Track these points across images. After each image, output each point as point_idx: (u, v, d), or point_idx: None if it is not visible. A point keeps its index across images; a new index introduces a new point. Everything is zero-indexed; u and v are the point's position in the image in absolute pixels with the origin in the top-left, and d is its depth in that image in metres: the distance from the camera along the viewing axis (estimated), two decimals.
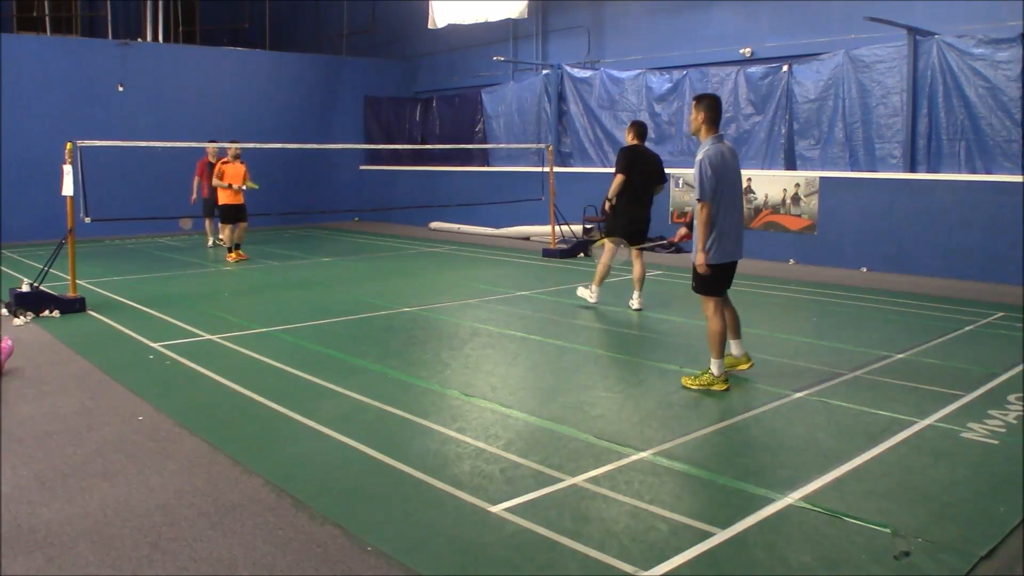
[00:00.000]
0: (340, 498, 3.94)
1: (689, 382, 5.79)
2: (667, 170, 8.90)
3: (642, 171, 8.37)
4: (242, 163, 12.72)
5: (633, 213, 8.42)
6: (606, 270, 8.67)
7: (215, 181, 12.64)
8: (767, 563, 3.31)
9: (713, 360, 5.74)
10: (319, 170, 19.55)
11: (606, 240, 8.65)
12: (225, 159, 12.66)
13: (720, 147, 5.65)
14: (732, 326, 6.01)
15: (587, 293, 8.81)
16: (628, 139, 8.59)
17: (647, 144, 8.66)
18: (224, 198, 12.60)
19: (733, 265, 5.86)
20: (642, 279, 8.63)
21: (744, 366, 6.07)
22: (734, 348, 6.09)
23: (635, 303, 8.62)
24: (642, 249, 8.63)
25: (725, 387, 5.71)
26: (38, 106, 15.95)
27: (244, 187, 12.58)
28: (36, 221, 14.90)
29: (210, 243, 14.82)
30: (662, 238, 13.47)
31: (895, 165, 11.87)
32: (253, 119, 18.28)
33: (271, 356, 6.66)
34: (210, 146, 13.90)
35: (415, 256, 13.90)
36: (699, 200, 5.57)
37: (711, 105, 5.66)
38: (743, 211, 5.85)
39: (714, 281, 5.76)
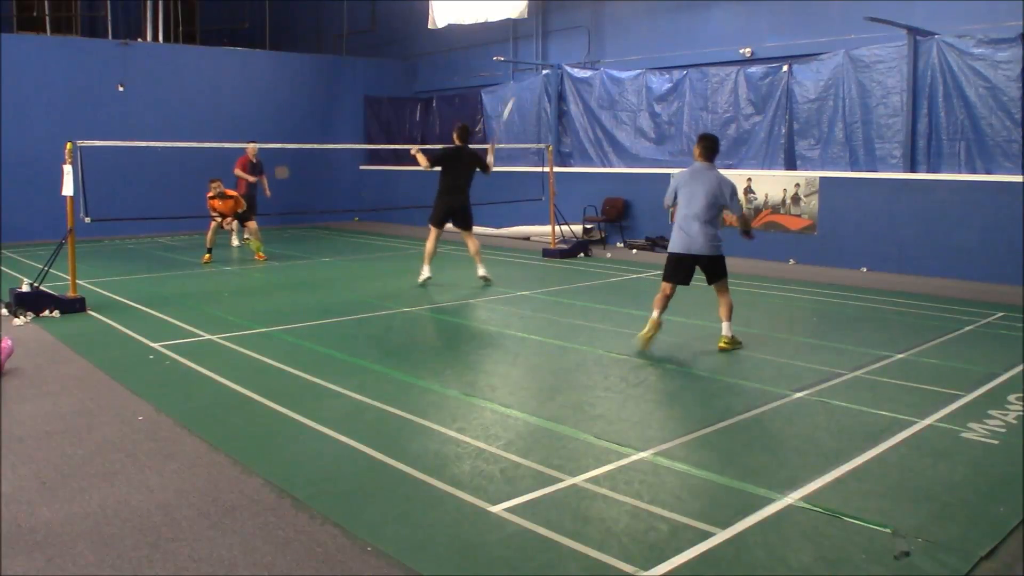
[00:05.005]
0: (340, 498, 3.94)
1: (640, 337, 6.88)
2: (666, 170, 9.15)
3: (457, 167, 9.94)
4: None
5: (449, 203, 9.98)
6: (431, 252, 10.06)
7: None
8: (767, 563, 3.31)
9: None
10: (319, 170, 19.53)
11: (430, 227, 10.14)
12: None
13: (696, 168, 6.93)
14: (724, 312, 6.88)
15: (422, 273, 10.08)
16: (454, 139, 10.09)
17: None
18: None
19: (687, 259, 6.81)
20: (478, 252, 10.15)
21: (722, 343, 6.86)
22: (723, 329, 6.92)
23: (480, 271, 10.09)
24: (470, 230, 10.15)
25: (652, 332, 6.82)
26: (38, 106, 15.93)
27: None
28: (36, 221, 14.88)
29: (236, 243, 14.74)
30: (663, 238, 13.46)
31: (895, 165, 11.86)
32: (253, 119, 18.26)
33: (271, 356, 6.66)
34: (250, 146, 13.83)
35: (415, 256, 13.85)
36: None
37: (707, 146, 6.99)
38: (698, 216, 6.81)
39: (667, 265, 6.99)
